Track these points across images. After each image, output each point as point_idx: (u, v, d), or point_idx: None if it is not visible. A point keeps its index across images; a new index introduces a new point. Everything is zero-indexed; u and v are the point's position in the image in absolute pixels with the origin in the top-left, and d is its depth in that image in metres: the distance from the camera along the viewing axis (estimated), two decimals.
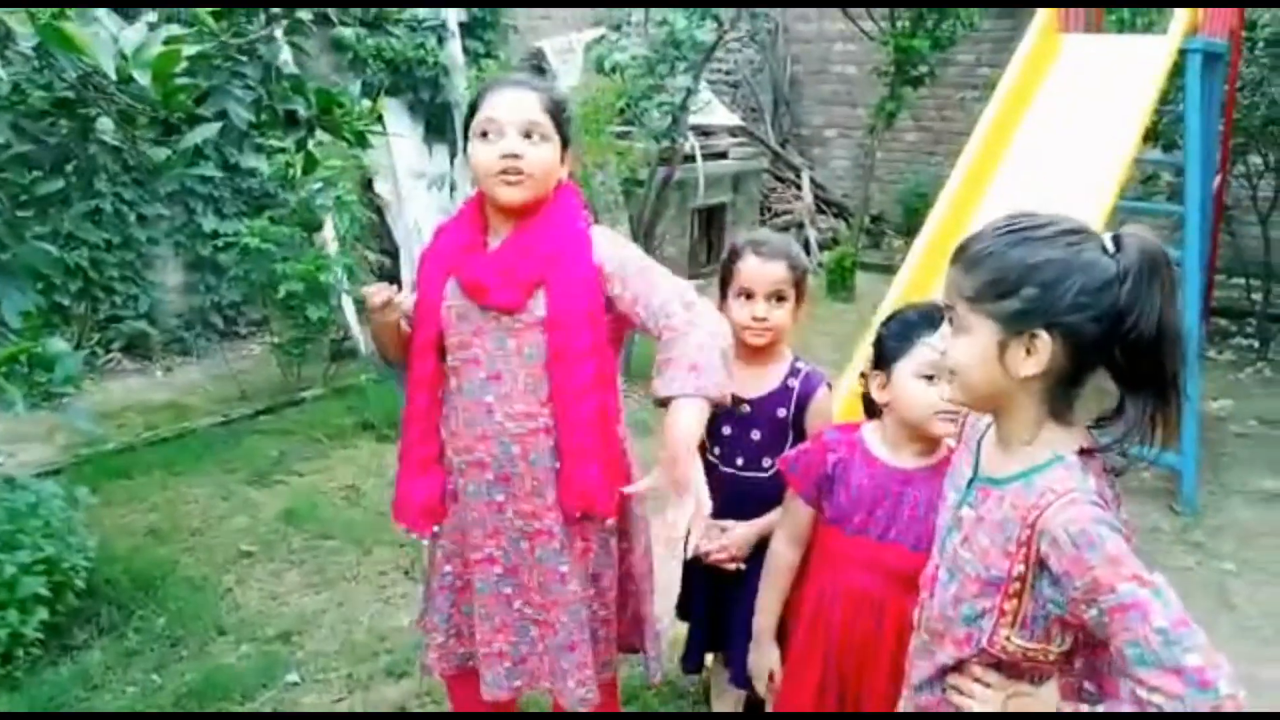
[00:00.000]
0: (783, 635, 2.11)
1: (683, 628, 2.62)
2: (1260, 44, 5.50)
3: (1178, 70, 4.11)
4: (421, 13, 6.69)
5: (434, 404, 2.01)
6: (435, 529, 2.07)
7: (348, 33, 6.29)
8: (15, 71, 1.83)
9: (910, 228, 8.15)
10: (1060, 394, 1.31)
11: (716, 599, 2.38)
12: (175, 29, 1.60)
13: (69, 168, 2.14)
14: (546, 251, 1.90)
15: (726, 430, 2.28)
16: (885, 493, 1.88)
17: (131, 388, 5.38)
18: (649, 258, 2.00)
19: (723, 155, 8.35)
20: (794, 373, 2.28)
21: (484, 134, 1.88)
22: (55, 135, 2.06)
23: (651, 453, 3.68)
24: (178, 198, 5.67)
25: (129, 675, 2.89)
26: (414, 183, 6.62)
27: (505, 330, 1.91)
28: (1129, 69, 4.02)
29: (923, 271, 3.41)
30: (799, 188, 9.47)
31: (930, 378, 1.81)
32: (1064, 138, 3.97)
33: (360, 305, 1.88)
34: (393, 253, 6.67)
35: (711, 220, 8.37)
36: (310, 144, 2.35)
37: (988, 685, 1.38)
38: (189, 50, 1.63)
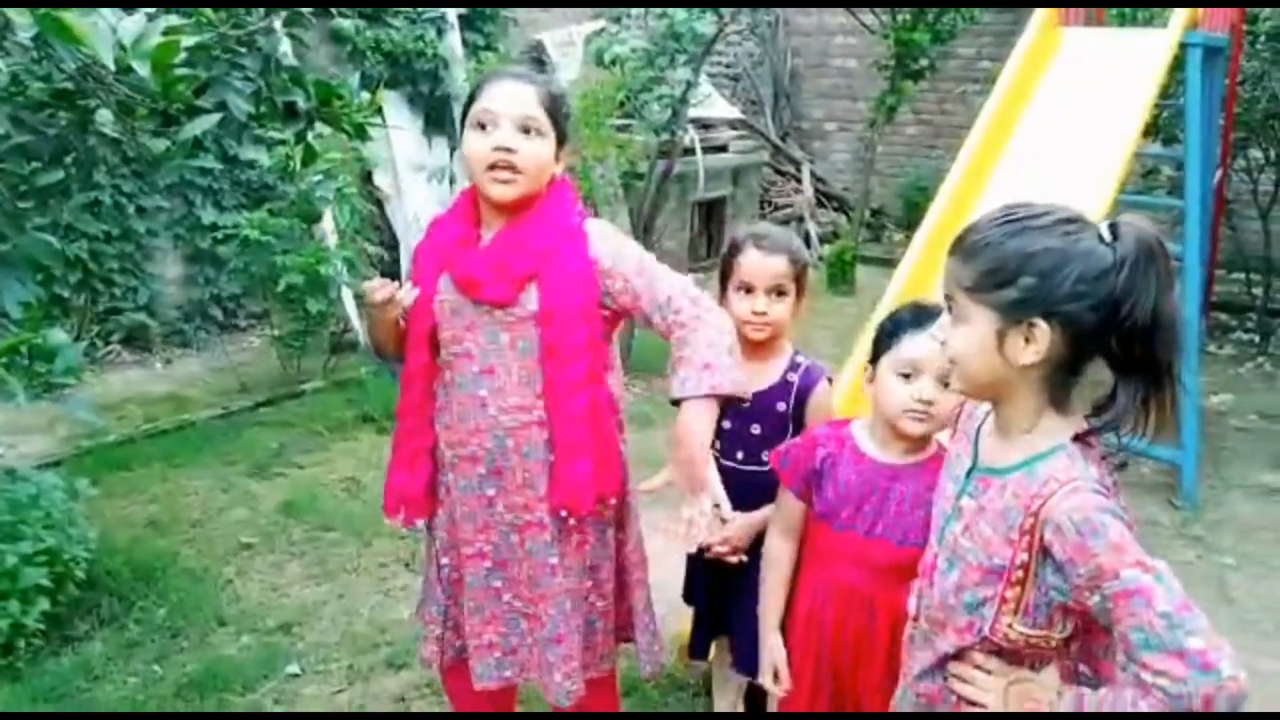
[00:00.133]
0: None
1: (684, 624, 2.63)
2: (1261, 38, 5.50)
3: (1178, 64, 4.11)
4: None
5: (427, 397, 2.02)
6: (419, 521, 2.11)
7: (347, 24, 6.28)
8: (14, 63, 1.83)
9: (911, 221, 8.15)
10: (1059, 382, 1.32)
11: (719, 586, 2.38)
12: (174, 20, 1.59)
13: (68, 159, 2.14)
14: (540, 246, 1.89)
15: (727, 424, 2.28)
16: (872, 488, 1.88)
17: (131, 380, 5.38)
18: (645, 252, 1.99)
19: (723, 148, 8.35)
20: (794, 367, 2.27)
21: (480, 125, 1.87)
22: (54, 127, 2.06)
23: (653, 445, 3.69)
24: (177, 190, 5.66)
25: (130, 666, 2.90)
26: (413, 175, 6.62)
27: (498, 324, 1.90)
28: (1129, 63, 4.01)
29: (923, 265, 3.41)
30: (799, 181, 9.46)
31: (907, 375, 1.82)
32: (1064, 131, 3.97)
33: (360, 299, 1.87)
34: (392, 245, 6.67)
35: (711, 213, 8.37)
36: (309, 136, 2.35)
37: (989, 672, 1.39)
38: (188, 41, 1.63)
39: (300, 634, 3.09)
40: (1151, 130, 5.32)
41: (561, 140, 1.94)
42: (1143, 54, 3.98)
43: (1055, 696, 1.33)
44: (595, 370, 1.92)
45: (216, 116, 1.95)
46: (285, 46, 2.29)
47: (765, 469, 2.24)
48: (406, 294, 1.94)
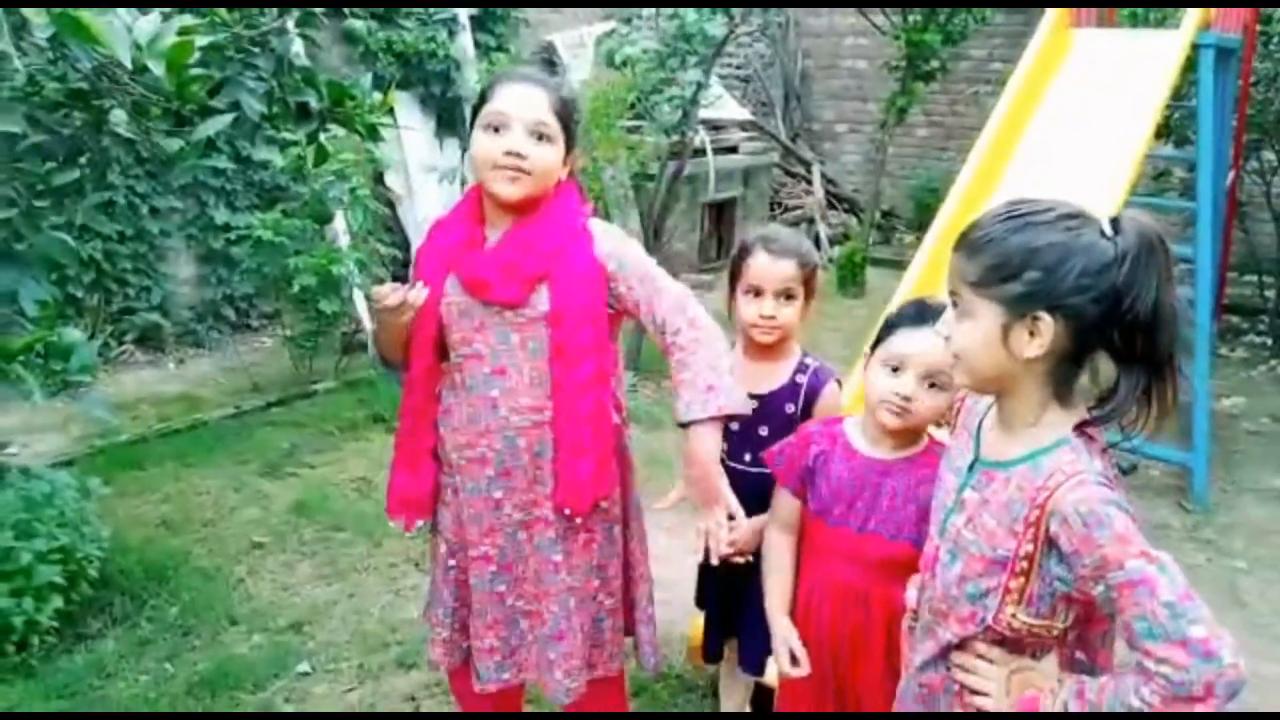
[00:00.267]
0: None
1: (695, 626, 2.64)
2: (1275, 39, 5.47)
3: (1190, 65, 4.09)
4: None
5: (429, 400, 2.02)
6: (419, 523, 2.11)
7: (359, 25, 6.31)
8: (30, 63, 1.84)
9: (921, 223, 8.13)
10: (1062, 375, 1.34)
11: (729, 589, 2.39)
12: (188, 19, 1.61)
13: (82, 159, 2.16)
14: (549, 248, 1.91)
15: (735, 426, 2.27)
16: (864, 484, 1.89)
17: (144, 379, 5.41)
18: (647, 256, 2.01)
19: (733, 150, 8.35)
20: (802, 368, 2.27)
21: (491, 127, 1.87)
22: (69, 127, 2.07)
23: (663, 446, 3.69)
24: (190, 190, 5.69)
25: (142, 664, 2.92)
26: (425, 177, 6.63)
27: (509, 325, 1.91)
28: (1141, 64, 4.01)
29: (934, 267, 3.41)
30: (810, 182, 9.45)
31: (895, 369, 1.84)
32: (1075, 133, 3.96)
33: (369, 301, 1.88)
34: (404, 247, 6.69)
35: (722, 215, 8.37)
36: (322, 137, 2.36)
37: (991, 661, 1.41)
38: (202, 41, 1.64)
39: (311, 633, 3.11)
40: (1163, 132, 5.30)
41: (570, 145, 1.95)
42: (1155, 55, 3.97)
43: (1056, 684, 1.35)
44: (602, 371, 1.95)
45: (230, 116, 1.97)
46: (298, 47, 2.30)
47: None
48: (417, 294, 1.92)
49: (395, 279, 2.12)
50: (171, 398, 5.11)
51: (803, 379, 2.25)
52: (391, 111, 2.42)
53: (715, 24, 4.88)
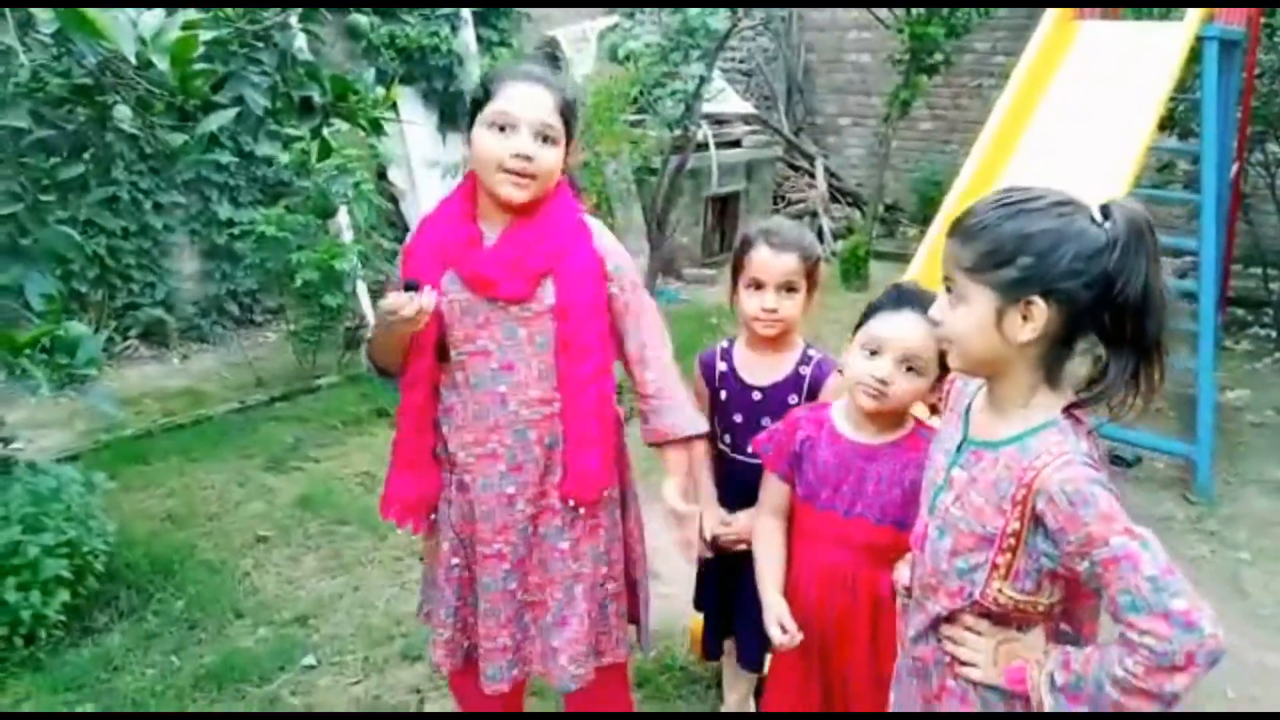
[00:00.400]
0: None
1: (698, 619, 2.65)
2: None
3: (1195, 57, 4.08)
4: None
5: (430, 400, 2.01)
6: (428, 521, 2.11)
7: (362, 20, 6.31)
8: (34, 58, 1.85)
9: (925, 216, 8.12)
10: (1053, 358, 1.38)
11: (728, 588, 2.40)
12: (193, 14, 1.61)
13: (86, 155, 2.16)
14: (553, 244, 1.93)
15: (738, 418, 2.29)
16: (850, 468, 1.92)
17: (148, 375, 5.43)
18: (635, 270, 2.10)
19: (736, 144, 8.34)
20: (805, 360, 2.28)
21: (497, 126, 1.86)
22: (73, 122, 2.08)
23: None
24: (193, 186, 5.70)
25: (148, 657, 2.93)
26: (428, 172, 6.64)
27: (515, 320, 1.92)
28: (1145, 56, 4.00)
29: (937, 260, 3.37)
30: (813, 176, 9.44)
31: (873, 352, 1.86)
32: (1079, 125, 3.95)
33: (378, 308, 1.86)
34: None
35: (725, 209, 8.36)
36: (325, 131, 2.37)
37: (979, 634, 1.46)
38: (206, 36, 1.65)
39: (316, 626, 3.12)
40: (1167, 124, 5.28)
41: (569, 142, 1.96)
42: (1159, 47, 3.96)
43: (1042, 655, 1.40)
44: (606, 363, 1.99)
45: (234, 111, 1.97)
46: (301, 42, 2.30)
47: None
48: (430, 300, 1.86)
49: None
50: (176, 393, 5.12)
51: (806, 371, 2.26)
52: (394, 106, 2.42)
53: (718, 18, 4.88)
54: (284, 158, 4.72)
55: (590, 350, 1.95)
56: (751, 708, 2.59)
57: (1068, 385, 1.41)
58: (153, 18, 1.51)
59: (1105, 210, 1.33)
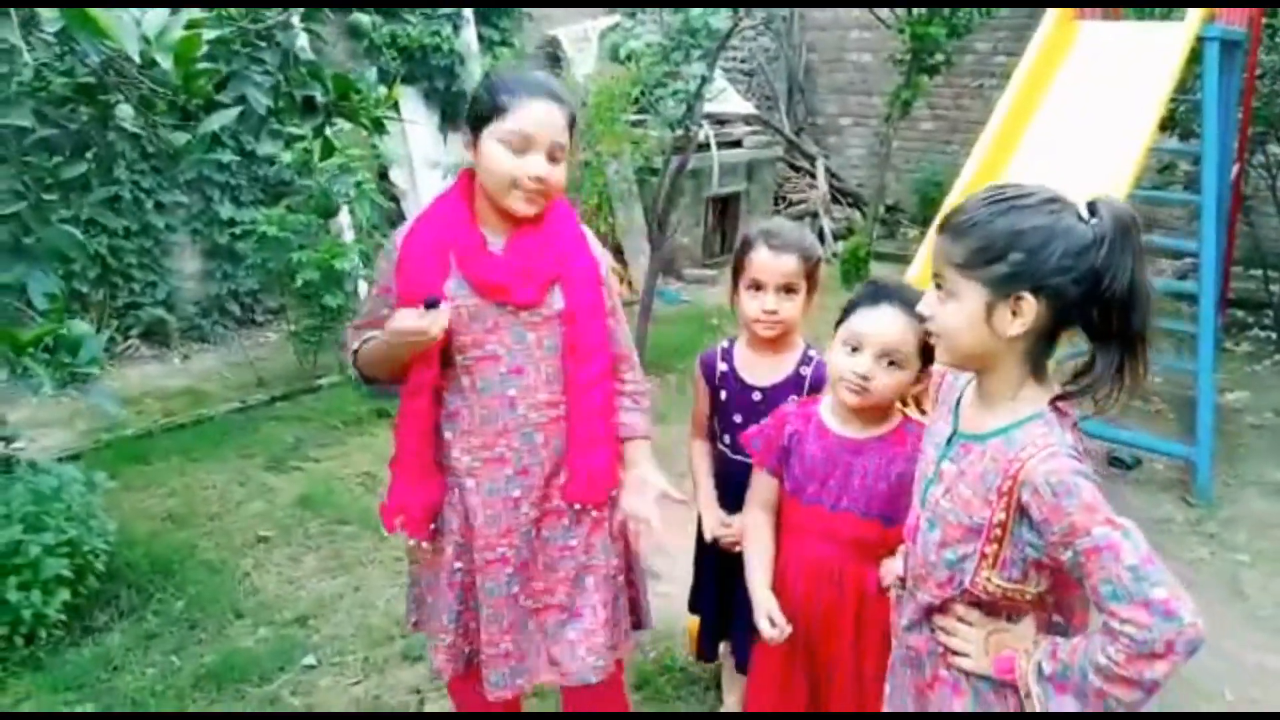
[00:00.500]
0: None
1: (693, 622, 2.67)
2: None
3: (1196, 58, 4.09)
4: None
5: (433, 406, 1.98)
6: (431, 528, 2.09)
7: (364, 19, 6.31)
8: (37, 57, 1.85)
9: (925, 217, 8.13)
10: (1039, 353, 1.43)
11: (725, 591, 2.41)
12: (196, 13, 1.61)
13: (88, 154, 2.17)
14: (560, 250, 1.96)
15: (738, 419, 2.30)
16: (836, 463, 1.94)
17: (149, 374, 5.43)
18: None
19: (737, 144, 8.34)
20: (806, 361, 2.29)
21: (513, 147, 1.83)
22: (75, 121, 2.08)
23: (669, 441, 3.69)
24: (195, 185, 5.71)
25: (149, 657, 2.93)
26: (429, 172, 6.64)
27: (525, 325, 1.94)
28: (1146, 57, 4.00)
29: None
30: (814, 177, 9.44)
31: (853, 348, 1.88)
32: (1080, 126, 3.96)
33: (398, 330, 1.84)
34: None
35: (726, 209, 8.36)
36: (328, 131, 2.37)
37: (970, 624, 1.50)
38: (209, 35, 1.65)
39: (316, 626, 3.12)
40: (1168, 125, 5.29)
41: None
42: (1159, 48, 3.97)
43: (1031, 645, 1.43)
44: (608, 366, 2.02)
45: (236, 110, 1.97)
46: (302, 41, 2.30)
47: None
48: (446, 315, 1.84)
49: None
50: (177, 392, 5.13)
51: (806, 371, 2.27)
52: (396, 106, 2.43)
53: (719, 18, 4.87)
54: (286, 157, 4.73)
55: (596, 352, 1.98)
56: None
57: (1053, 378, 1.45)
58: (157, 17, 1.51)
59: (1092, 207, 1.37)
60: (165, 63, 1.52)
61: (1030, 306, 1.35)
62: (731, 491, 2.29)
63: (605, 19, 7.85)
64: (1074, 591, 1.45)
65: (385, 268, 1.98)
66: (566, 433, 1.99)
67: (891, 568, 1.88)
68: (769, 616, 1.94)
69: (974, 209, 1.40)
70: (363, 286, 5.41)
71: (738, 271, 2.28)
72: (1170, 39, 3.98)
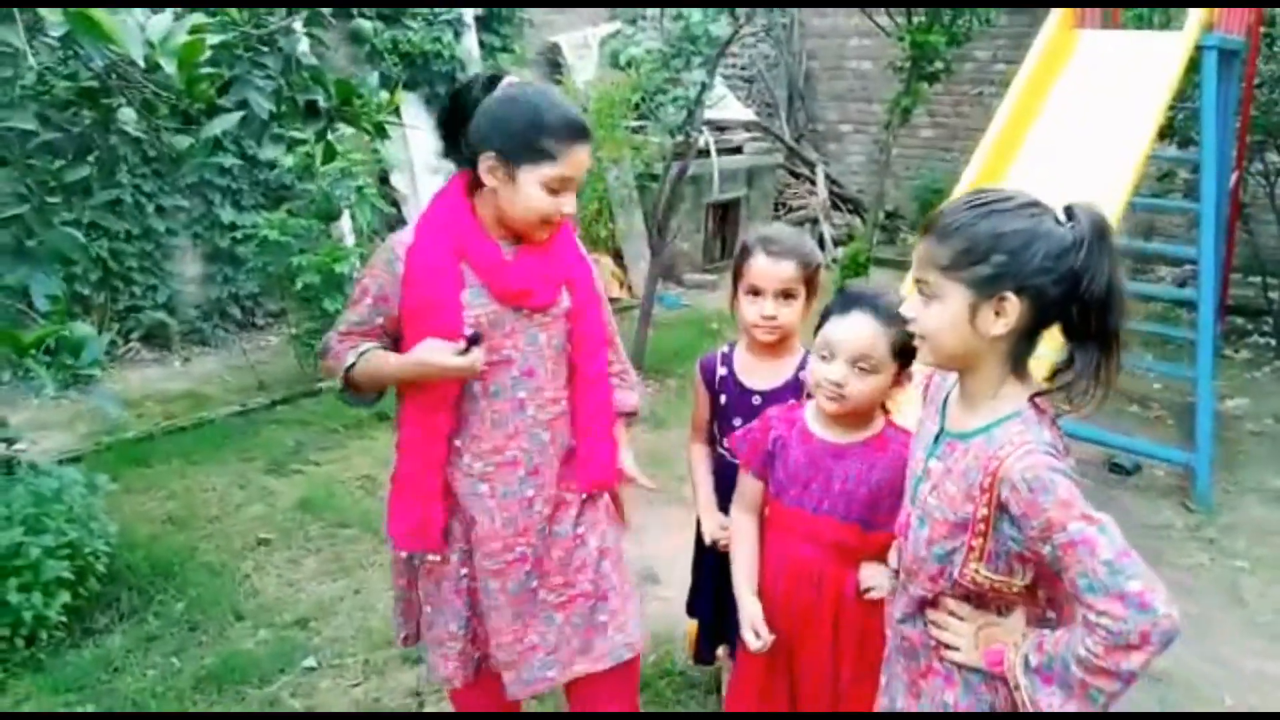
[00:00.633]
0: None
1: (692, 625, 2.68)
2: (1279, 41, 5.47)
3: (1194, 66, 4.10)
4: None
5: (450, 421, 1.96)
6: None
7: (366, 25, 6.32)
8: (41, 61, 1.86)
9: None
10: (1020, 352, 1.47)
11: (723, 595, 2.41)
12: (200, 18, 1.62)
13: (91, 157, 2.18)
14: (566, 254, 2.02)
15: (738, 423, 2.30)
16: (818, 467, 1.96)
17: (150, 377, 5.44)
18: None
19: (737, 150, 8.36)
20: (805, 365, 2.29)
21: (551, 189, 1.86)
22: (78, 125, 2.09)
23: (668, 445, 3.70)
24: (196, 189, 5.72)
25: (149, 659, 2.94)
26: (430, 176, 6.65)
27: (537, 326, 1.98)
28: (1144, 65, 4.02)
29: None
30: (814, 183, 9.46)
31: (825, 356, 1.91)
32: (1079, 134, 3.97)
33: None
34: None
35: (726, 215, 8.38)
36: (330, 135, 2.38)
37: (961, 618, 1.54)
38: (213, 39, 1.66)
39: (317, 629, 3.13)
40: (1167, 133, 5.30)
41: None
42: (1158, 56, 3.98)
43: (1019, 639, 1.47)
44: (607, 358, 2.13)
45: (239, 115, 1.98)
46: (305, 46, 2.31)
47: None
48: (483, 350, 1.88)
49: None
50: (177, 395, 5.14)
51: (805, 376, 2.27)
52: (397, 111, 2.44)
53: (720, 25, 4.89)
54: (287, 161, 4.74)
55: (599, 346, 2.09)
56: None
57: (1034, 376, 1.49)
58: (161, 22, 1.52)
59: (1069, 212, 1.42)
60: (169, 67, 1.53)
61: (1013, 306, 1.39)
62: (731, 495, 2.29)
63: (606, 26, 7.88)
64: (1062, 585, 1.48)
65: (385, 277, 1.94)
66: (575, 424, 2.06)
67: (871, 573, 1.92)
68: (754, 628, 1.97)
69: (956, 212, 1.44)
70: None
71: (737, 277, 2.30)
72: (1169, 47, 4.00)
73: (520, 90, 1.89)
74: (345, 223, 5.40)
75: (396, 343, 1.98)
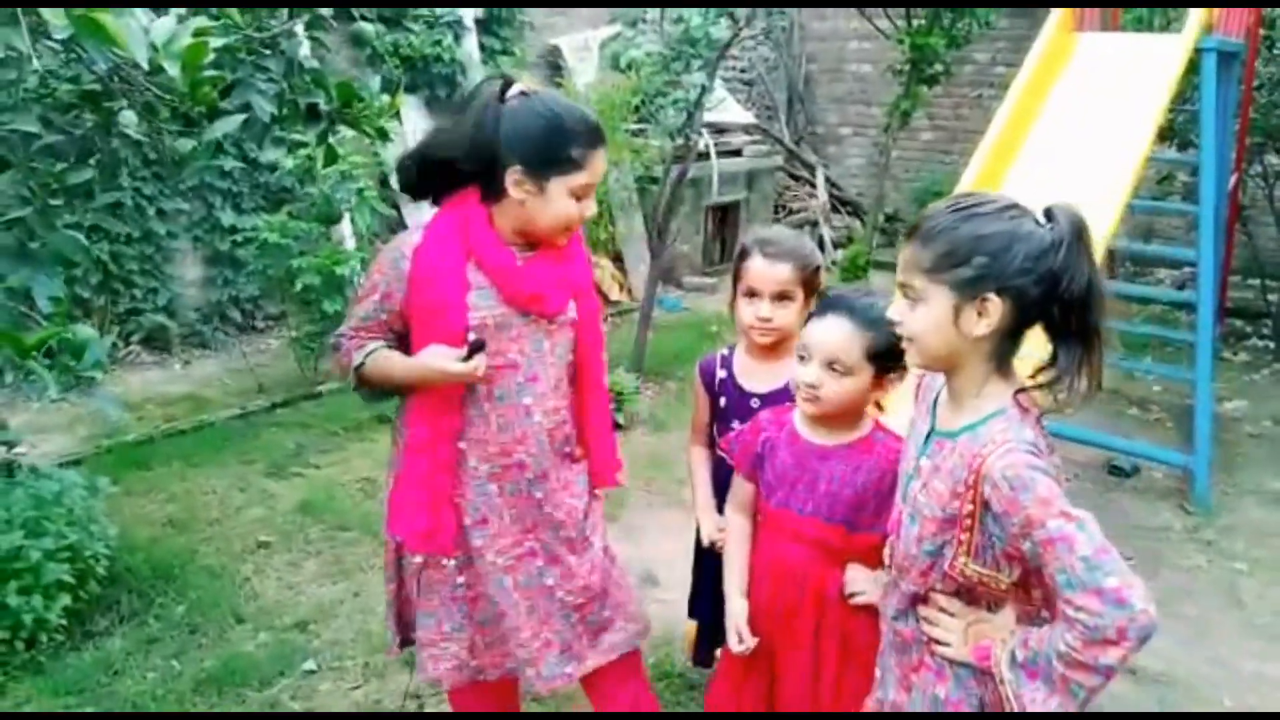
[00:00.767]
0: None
1: (691, 626, 2.68)
2: (1278, 43, 5.48)
3: (1193, 68, 4.11)
4: (438, 9, 6.73)
5: (459, 419, 1.97)
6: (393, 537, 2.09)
7: (368, 28, 6.33)
8: (44, 64, 1.87)
9: None
10: (1004, 351, 1.51)
11: (722, 597, 2.41)
12: (203, 21, 1.63)
13: (93, 160, 2.18)
14: (570, 262, 2.04)
15: (737, 425, 2.30)
16: (805, 468, 1.97)
17: (150, 380, 5.44)
18: None
19: (737, 153, 8.37)
20: None
21: (578, 194, 1.90)
22: (80, 128, 2.10)
23: (668, 449, 3.70)
24: (197, 192, 5.73)
25: (149, 661, 2.94)
26: None
27: (543, 333, 2.00)
28: (1143, 67, 4.02)
29: None
30: (813, 186, 9.47)
31: (803, 359, 1.93)
32: (1078, 136, 3.98)
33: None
34: None
35: (725, 218, 8.38)
36: (331, 138, 2.38)
37: (952, 615, 1.57)
38: (216, 43, 1.66)
39: (317, 631, 3.13)
40: (1166, 135, 5.31)
41: None
42: (1157, 59, 3.99)
43: (1007, 635, 1.50)
44: (605, 362, 2.20)
45: (241, 118, 1.99)
46: (306, 49, 2.32)
47: None
48: (485, 357, 1.90)
49: None
50: (177, 398, 5.14)
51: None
52: (398, 114, 2.44)
53: (719, 27, 4.90)
54: (288, 164, 4.75)
55: (600, 350, 2.14)
56: None
57: (1017, 374, 1.53)
58: (165, 25, 1.53)
59: (1049, 213, 1.46)
60: (172, 70, 1.53)
61: (996, 307, 1.43)
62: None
63: (606, 28, 7.88)
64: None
65: (390, 275, 1.96)
66: (583, 426, 2.11)
67: (857, 576, 1.93)
68: (738, 631, 2.02)
69: (938, 216, 1.48)
70: None
71: (736, 279, 2.30)
72: (1168, 50, 4.01)
73: (537, 100, 1.89)
74: (346, 226, 5.40)
75: (403, 339, 2.01)
